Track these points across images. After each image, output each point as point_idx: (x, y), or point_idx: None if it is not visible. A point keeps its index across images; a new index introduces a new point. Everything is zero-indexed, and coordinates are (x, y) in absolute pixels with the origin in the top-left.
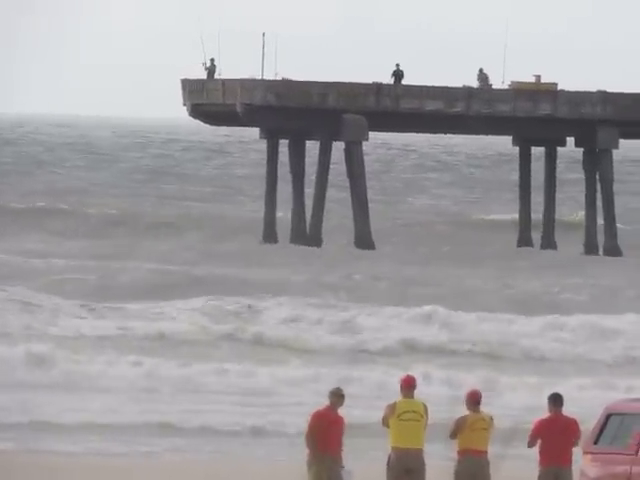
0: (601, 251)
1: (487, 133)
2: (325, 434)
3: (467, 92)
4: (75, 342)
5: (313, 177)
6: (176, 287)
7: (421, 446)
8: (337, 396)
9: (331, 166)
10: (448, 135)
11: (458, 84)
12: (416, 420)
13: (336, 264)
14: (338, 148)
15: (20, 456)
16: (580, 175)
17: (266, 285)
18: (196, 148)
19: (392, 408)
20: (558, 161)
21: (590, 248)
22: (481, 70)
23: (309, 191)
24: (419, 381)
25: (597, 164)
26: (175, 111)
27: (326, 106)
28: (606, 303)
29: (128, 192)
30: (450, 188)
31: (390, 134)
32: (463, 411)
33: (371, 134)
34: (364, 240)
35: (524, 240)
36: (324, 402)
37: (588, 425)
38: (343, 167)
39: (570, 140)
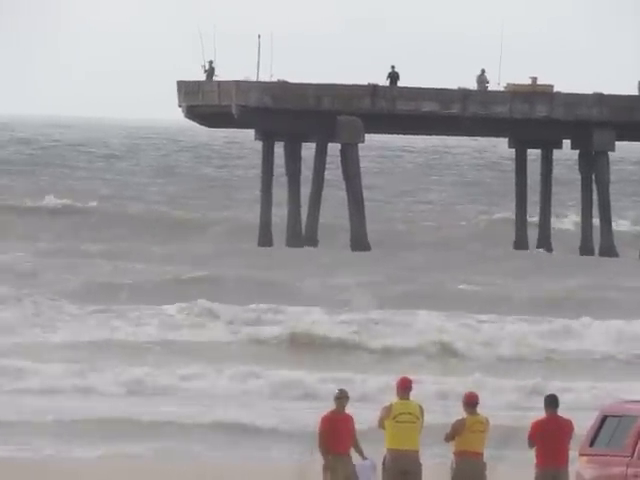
0: (597, 252)
1: (483, 135)
2: (336, 435)
3: (463, 94)
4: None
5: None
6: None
7: (417, 448)
8: (340, 398)
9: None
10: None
11: (454, 86)
12: (412, 422)
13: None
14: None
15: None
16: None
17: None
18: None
19: (388, 410)
20: (569, 162)
21: (586, 249)
22: (483, 71)
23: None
24: None
25: (593, 166)
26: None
27: (322, 108)
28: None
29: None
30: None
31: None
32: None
33: (381, 136)
34: (360, 242)
35: (520, 242)
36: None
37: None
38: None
39: (566, 142)
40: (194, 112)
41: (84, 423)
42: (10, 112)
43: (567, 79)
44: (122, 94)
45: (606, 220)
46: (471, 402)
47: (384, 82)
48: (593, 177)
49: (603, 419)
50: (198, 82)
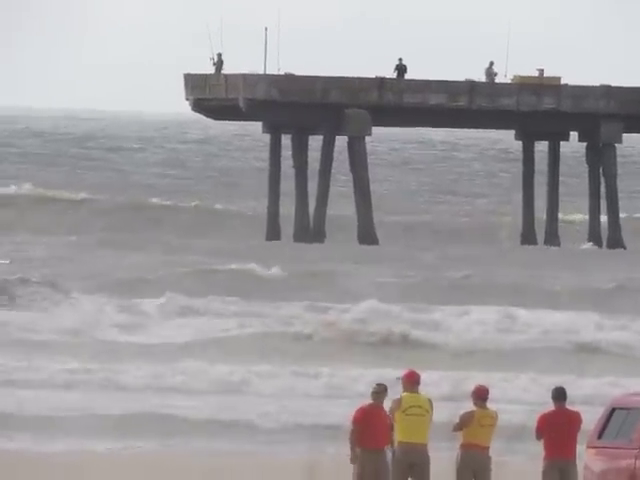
0: (605, 244)
1: (490, 127)
2: (369, 429)
3: (470, 86)
4: None
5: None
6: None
7: (426, 441)
8: (379, 392)
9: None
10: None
11: (461, 78)
12: (421, 415)
13: None
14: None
15: None
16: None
17: None
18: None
19: (398, 403)
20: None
21: (594, 242)
22: (491, 64)
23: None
24: None
25: (601, 158)
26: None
27: (329, 101)
28: None
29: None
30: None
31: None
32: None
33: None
34: (367, 235)
35: (527, 237)
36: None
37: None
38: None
39: (573, 134)
40: (201, 105)
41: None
42: (21, 105)
43: (574, 71)
44: (133, 87)
45: (613, 212)
46: (481, 395)
47: (391, 75)
48: (600, 169)
49: (611, 411)
50: (205, 75)
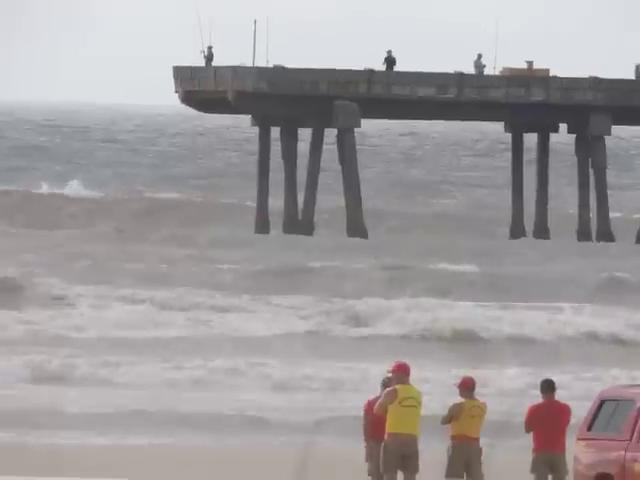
0: (594, 237)
1: (479, 119)
2: (379, 421)
3: (459, 78)
4: None
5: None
6: None
7: (417, 432)
8: (389, 384)
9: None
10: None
11: (450, 71)
12: (415, 407)
13: None
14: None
15: None
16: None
17: None
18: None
19: (393, 394)
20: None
21: (583, 235)
22: (480, 56)
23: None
24: None
25: (590, 150)
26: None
27: (318, 93)
28: None
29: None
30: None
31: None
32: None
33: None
34: (356, 227)
35: (517, 231)
36: None
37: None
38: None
39: (563, 127)
40: (190, 98)
41: None
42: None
43: (563, 63)
44: (123, 80)
45: (603, 204)
46: (468, 386)
47: (380, 67)
48: (589, 161)
49: (601, 403)
50: (194, 68)
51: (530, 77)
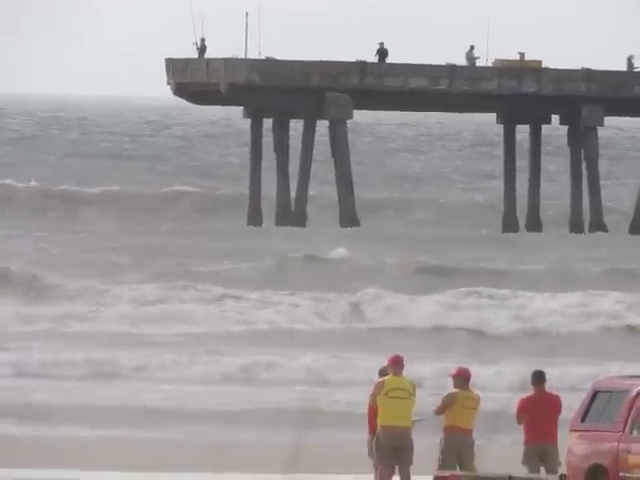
0: (587, 228)
1: (471, 111)
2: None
3: (451, 70)
4: None
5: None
6: None
7: (409, 424)
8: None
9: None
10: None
11: (443, 62)
12: (405, 398)
13: None
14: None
15: None
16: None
17: None
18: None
19: (380, 386)
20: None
21: (576, 226)
22: (472, 48)
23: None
24: None
25: (582, 142)
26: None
27: (310, 85)
28: None
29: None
30: None
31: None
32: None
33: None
34: (349, 217)
35: (509, 224)
36: None
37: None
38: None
39: (555, 118)
40: (183, 89)
41: None
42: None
43: (555, 55)
44: (116, 72)
45: (595, 195)
46: (462, 376)
47: (373, 59)
48: (582, 153)
49: (594, 394)
50: (186, 60)
51: (522, 69)
